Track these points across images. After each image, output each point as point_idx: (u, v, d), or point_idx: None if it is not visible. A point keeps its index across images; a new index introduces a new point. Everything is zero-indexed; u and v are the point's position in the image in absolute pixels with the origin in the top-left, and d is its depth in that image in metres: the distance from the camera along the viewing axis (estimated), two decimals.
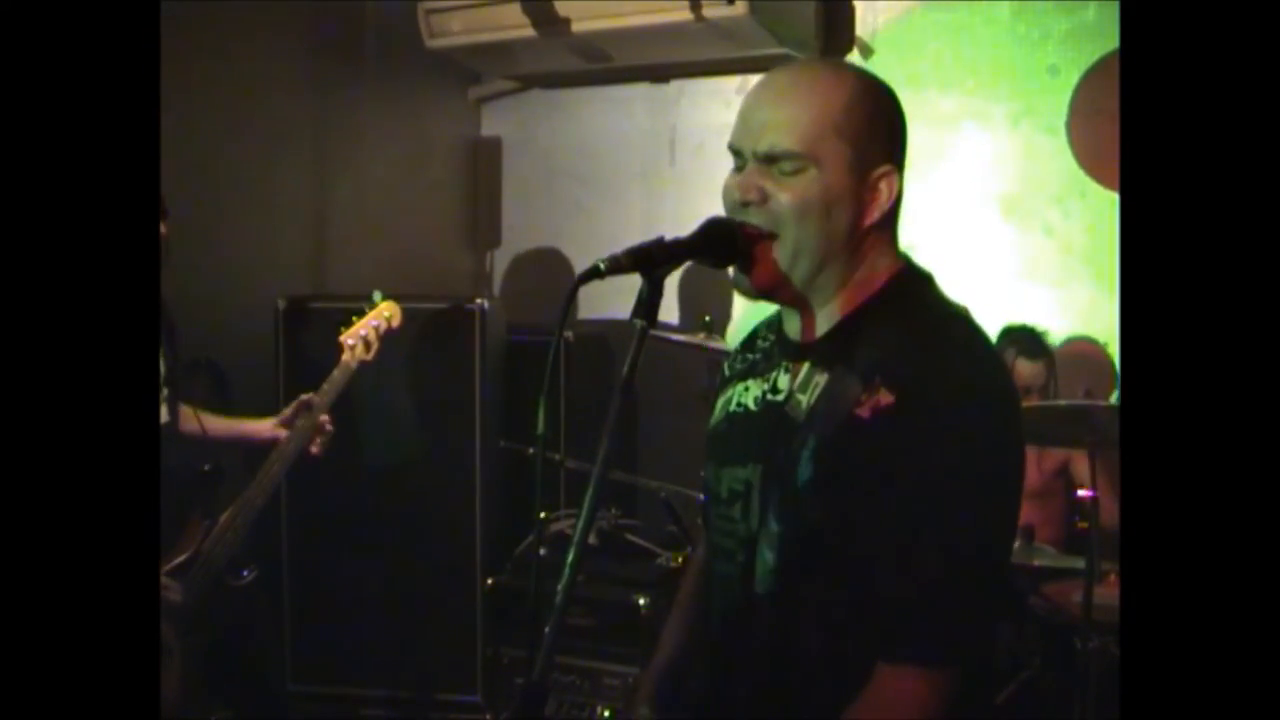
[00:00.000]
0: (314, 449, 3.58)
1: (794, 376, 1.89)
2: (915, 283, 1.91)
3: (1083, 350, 4.31)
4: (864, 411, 1.75)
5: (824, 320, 1.89)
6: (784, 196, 1.80)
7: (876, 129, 1.86)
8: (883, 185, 1.85)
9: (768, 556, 1.82)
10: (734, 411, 1.99)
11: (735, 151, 1.87)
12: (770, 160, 1.81)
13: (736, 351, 2.12)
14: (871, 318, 1.85)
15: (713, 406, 2.10)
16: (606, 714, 3.90)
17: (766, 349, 2.01)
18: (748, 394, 1.98)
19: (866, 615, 1.74)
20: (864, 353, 1.80)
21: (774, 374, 1.93)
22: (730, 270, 1.89)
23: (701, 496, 3.67)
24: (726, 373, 2.10)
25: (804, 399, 1.84)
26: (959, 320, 1.85)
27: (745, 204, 1.82)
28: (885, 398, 1.74)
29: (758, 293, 1.88)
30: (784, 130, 1.80)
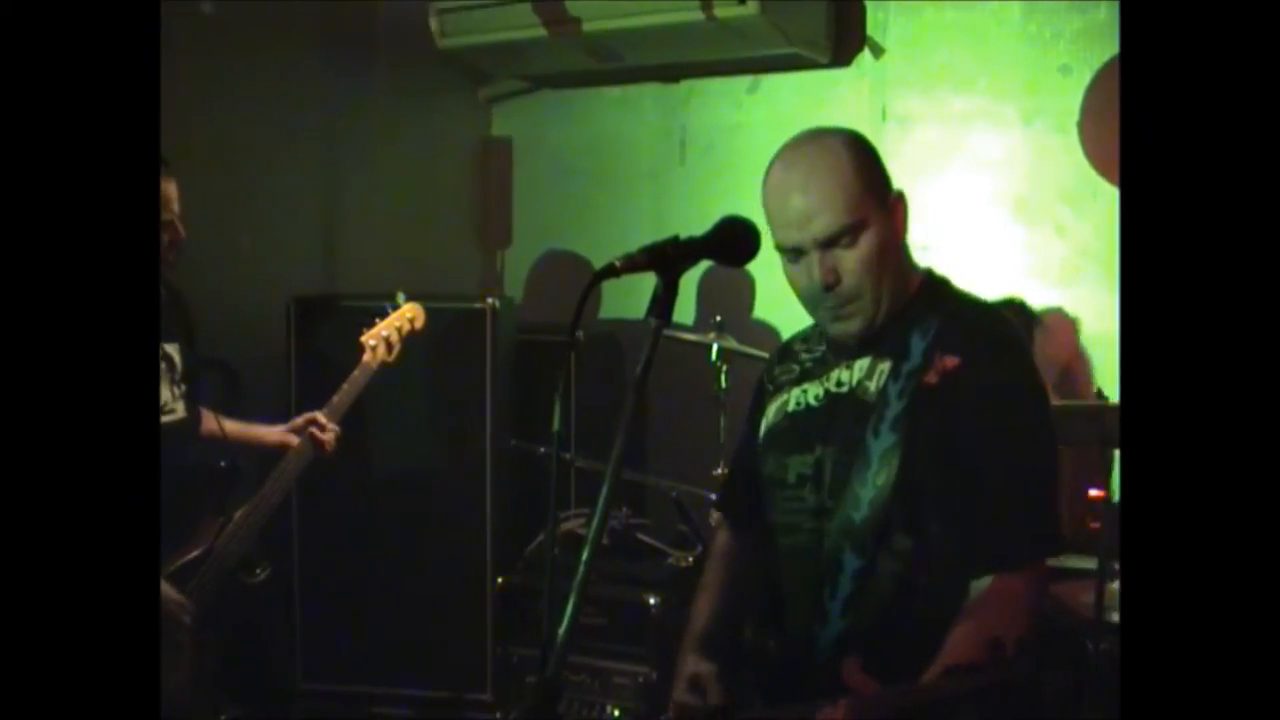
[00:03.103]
0: (325, 447, 3.58)
1: (856, 370, 2.18)
2: (942, 283, 2.26)
3: (1054, 323, 4.38)
4: (931, 378, 2.08)
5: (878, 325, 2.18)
6: (856, 267, 2.09)
7: (879, 169, 2.16)
8: (899, 207, 2.17)
9: (851, 516, 2.08)
10: (795, 410, 2.27)
11: (792, 249, 2.12)
12: (830, 242, 2.08)
13: (775, 363, 2.41)
14: (917, 312, 2.17)
15: (759, 412, 2.38)
16: (616, 713, 3.89)
17: (818, 356, 2.30)
18: (806, 394, 2.26)
19: (950, 546, 2.04)
20: (918, 337, 2.13)
21: (833, 373, 2.23)
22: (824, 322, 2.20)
23: (713, 495, 3.74)
24: (770, 384, 2.38)
25: (872, 384, 2.14)
26: (980, 300, 2.26)
27: (829, 288, 2.10)
28: (949, 362, 2.09)
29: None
30: (830, 210, 2.07)
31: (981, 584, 2.04)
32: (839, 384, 2.21)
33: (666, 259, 1.82)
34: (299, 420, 3.58)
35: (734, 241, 1.91)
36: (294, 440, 3.57)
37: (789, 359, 2.38)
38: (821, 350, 2.30)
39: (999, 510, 2.03)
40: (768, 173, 2.16)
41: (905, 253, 2.21)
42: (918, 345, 2.13)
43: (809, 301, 2.17)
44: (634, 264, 1.80)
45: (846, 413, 2.16)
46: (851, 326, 2.16)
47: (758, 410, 2.40)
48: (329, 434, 3.56)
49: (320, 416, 3.55)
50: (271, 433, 3.62)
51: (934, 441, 2.05)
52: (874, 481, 2.07)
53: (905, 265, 2.20)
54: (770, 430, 2.32)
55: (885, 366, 2.14)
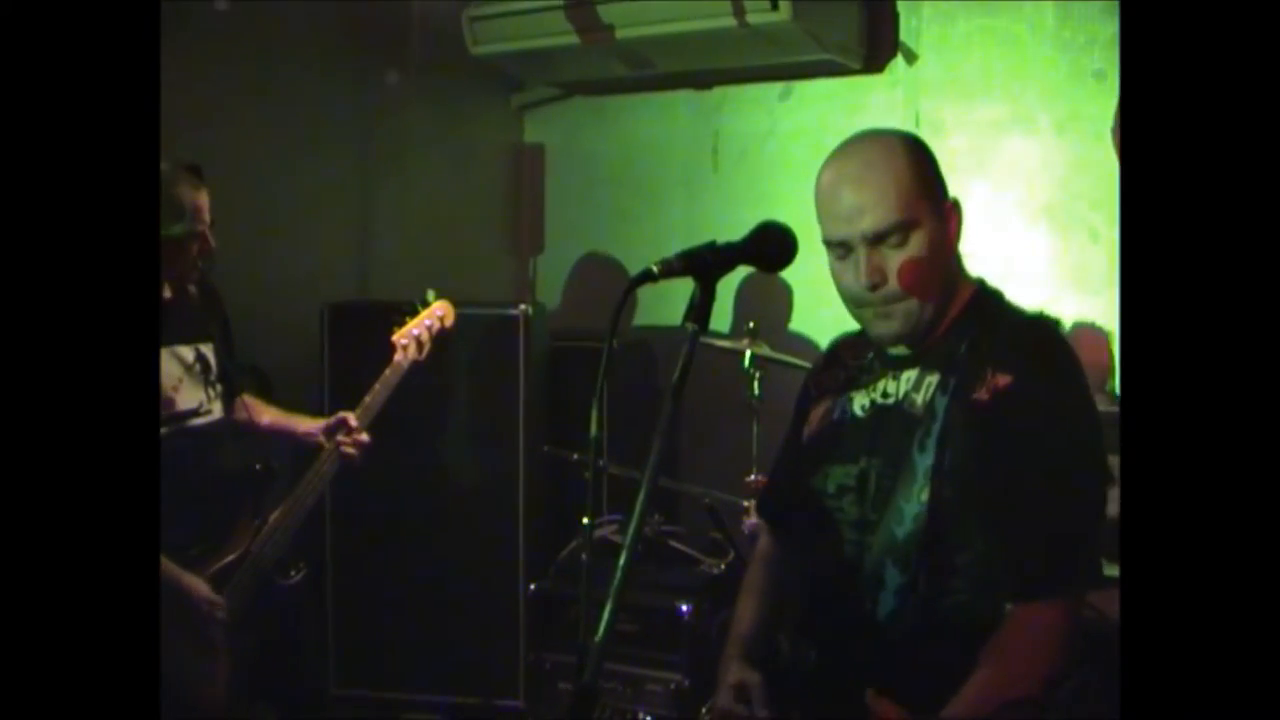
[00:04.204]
0: (351, 451, 3.57)
1: (904, 382, 2.15)
2: (992, 296, 2.21)
3: (1085, 337, 4.33)
4: (983, 395, 2.03)
5: (928, 335, 2.14)
6: (903, 268, 2.05)
7: (935, 173, 2.13)
8: (953, 216, 2.14)
9: (894, 531, 2.04)
10: (839, 419, 2.23)
11: (839, 244, 2.08)
12: (880, 239, 2.04)
13: (821, 370, 2.39)
14: (968, 324, 2.13)
15: (802, 417, 2.36)
16: None
17: (865, 364, 2.25)
18: (852, 403, 2.22)
19: (993, 567, 1.99)
20: (969, 351, 2.08)
21: (880, 383, 2.19)
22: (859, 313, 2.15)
23: (744, 503, 3.72)
24: (815, 389, 2.36)
25: (919, 397, 2.10)
26: (1037, 315, 2.17)
27: (874, 287, 2.06)
28: (1002, 379, 2.02)
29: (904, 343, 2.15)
30: (882, 206, 2.04)
31: (1013, 609, 1.99)
32: (885, 395, 2.17)
33: (704, 264, 1.81)
34: (331, 420, 3.58)
35: (771, 247, 1.91)
36: (321, 438, 3.57)
37: (835, 364, 2.34)
38: (869, 357, 2.26)
39: (1042, 536, 1.98)
40: (822, 168, 2.13)
41: (957, 261, 2.18)
42: (968, 360, 2.07)
43: (852, 300, 2.14)
44: (671, 269, 1.79)
45: (893, 425, 2.12)
46: (894, 327, 2.11)
47: (801, 415, 2.37)
48: (357, 440, 3.55)
49: (351, 418, 3.54)
50: (306, 425, 3.63)
51: (982, 460, 2.00)
52: (918, 497, 2.02)
53: (955, 273, 2.17)
54: (813, 438, 2.29)
55: (934, 380, 2.10)
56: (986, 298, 2.20)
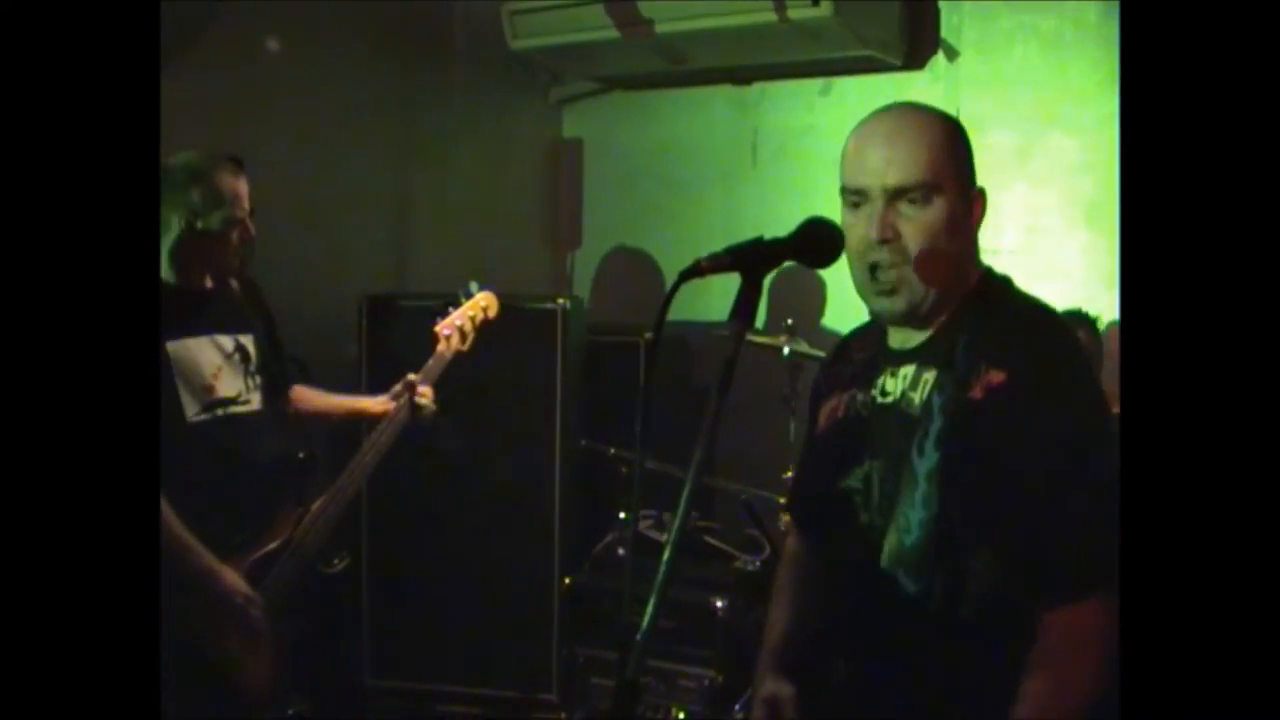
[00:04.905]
0: (425, 412, 3.60)
1: (901, 379, 2.05)
2: (998, 284, 2.11)
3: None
4: (976, 393, 1.94)
5: (929, 327, 2.06)
6: (916, 230, 1.97)
7: (967, 155, 2.06)
8: (978, 204, 2.06)
9: (902, 539, 1.96)
10: (844, 418, 2.15)
11: (855, 192, 2.01)
12: (900, 194, 1.97)
13: (830, 365, 2.32)
14: (966, 317, 2.03)
15: (812, 415, 2.29)
16: (681, 715, 3.89)
17: (866, 359, 2.16)
18: (855, 401, 2.13)
19: (1010, 572, 1.90)
20: (965, 346, 1.98)
21: (880, 380, 2.09)
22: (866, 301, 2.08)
23: (781, 500, 3.71)
24: (824, 386, 2.27)
25: (916, 396, 2.01)
26: (1038, 305, 2.08)
27: (883, 241, 1.97)
28: (995, 377, 1.93)
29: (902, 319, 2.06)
30: (910, 163, 1.97)
31: (1050, 616, 1.89)
32: (884, 393, 2.07)
33: (752, 259, 1.80)
34: (398, 386, 3.59)
35: (818, 242, 1.88)
36: (393, 404, 3.57)
37: (842, 360, 2.26)
38: (873, 352, 2.16)
39: (1062, 536, 1.88)
40: (855, 127, 2.07)
41: (974, 248, 2.08)
42: (964, 355, 1.98)
43: (857, 258, 2.02)
44: (719, 264, 1.77)
45: (892, 426, 2.03)
46: (897, 305, 2.01)
47: (814, 412, 2.31)
48: (426, 398, 3.57)
49: (416, 379, 3.57)
50: (375, 403, 3.63)
51: (983, 463, 1.90)
52: (922, 504, 1.93)
53: (967, 258, 2.06)
54: (821, 437, 2.23)
55: (930, 377, 2.01)
56: (992, 284, 2.10)
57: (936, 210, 1.97)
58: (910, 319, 2.05)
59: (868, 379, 2.12)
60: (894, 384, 2.07)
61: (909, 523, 1.95)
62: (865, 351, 2.19)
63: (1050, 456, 1.88)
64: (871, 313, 2.11)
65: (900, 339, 2.10)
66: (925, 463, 1.94)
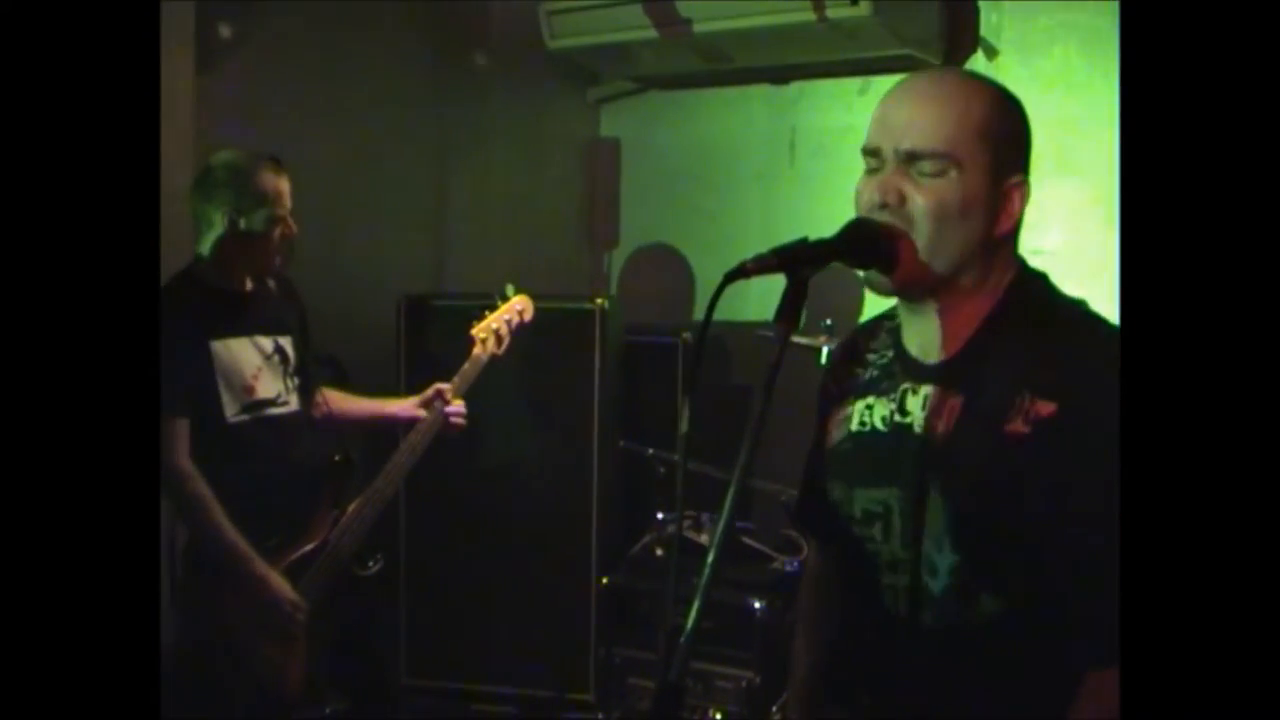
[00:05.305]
0: (455, 422, 3.63)
1: (922, 399, 1.85)
2: (1034, 286, 1.88)
3: None
4: (1018, 427, 1.73)
5: (951, 337, 1.85)
6: (922, 199, 1.77)
7: (1013, 137, 1.86)
8: (1016, 194, 1.83)
9: (928, 584, 1.81)
10: (859, 431, 1.95)
11: (871, 152, 1.83)
12: (912, 159, 1.78)
13: (839, 364, 2.09)
14: (1000, 331, 1.82)
15: (821, 419, 2.08)
16: (719, 716, 3.88)
17: (886, 365, 1.96)
18: (872, 414, 1.93)
19: (1050, 629, 1.73)
20: (1001, 369, 1.78)
21: (900, 394, 1.89)
22: (861, 272, 1.85)
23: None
24: (834, 387, 2.05)
25: (940, 424, 1.81)
26: (1087, 316, 1.83)
27: (883, 205, 1.78)
28: (1044, 408, 1.72)
29: (895, 290, 1.84)
30: (929, 130, 1.77)
31: (1091, 677, 1.71)
32: (904, 412, 1.86)
33: (798, 260, 1.76)
34: (428, 392, 3.62)
35: (864, 243, 1.84)
36: (420, 412, 3.61)
37: (853, 360, 2.03)
38: (890, 357, 1.95)
39: (1110, 592, 1.56)
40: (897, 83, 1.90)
41: (1001, 242, 1.84)
42: (999, 380, 1.76)
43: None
44: (765, 264, 1.72)
45: (913, 454, 1.82)
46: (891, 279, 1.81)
47: (822, 416, 2.08)
48: (458, 416, 3.61)
49: (446, 389, 3.60)
50: (405, 406, 3.66)
51: (1027, 507, 1.71)
52: (950, 545, 1.77)
53: (982, 250, 1.81)
54: (835, 450, 2.00)
55: (956, 404, 1.80)
56: (1026, 284, 1.86)
57: (950, 186, 1.76)
58: (907, 291, 1.85)
59: (885, 390, 1.93)
60: (914, 403, 1.86)
61: (935, 567, 1.79)
62: (881, 355, 1.99)
63: (1106, 505, 1.60)
64: (866, 283, 1.87)
65: (918, 343, 1.90)
66: (953, 502, 1.77)
